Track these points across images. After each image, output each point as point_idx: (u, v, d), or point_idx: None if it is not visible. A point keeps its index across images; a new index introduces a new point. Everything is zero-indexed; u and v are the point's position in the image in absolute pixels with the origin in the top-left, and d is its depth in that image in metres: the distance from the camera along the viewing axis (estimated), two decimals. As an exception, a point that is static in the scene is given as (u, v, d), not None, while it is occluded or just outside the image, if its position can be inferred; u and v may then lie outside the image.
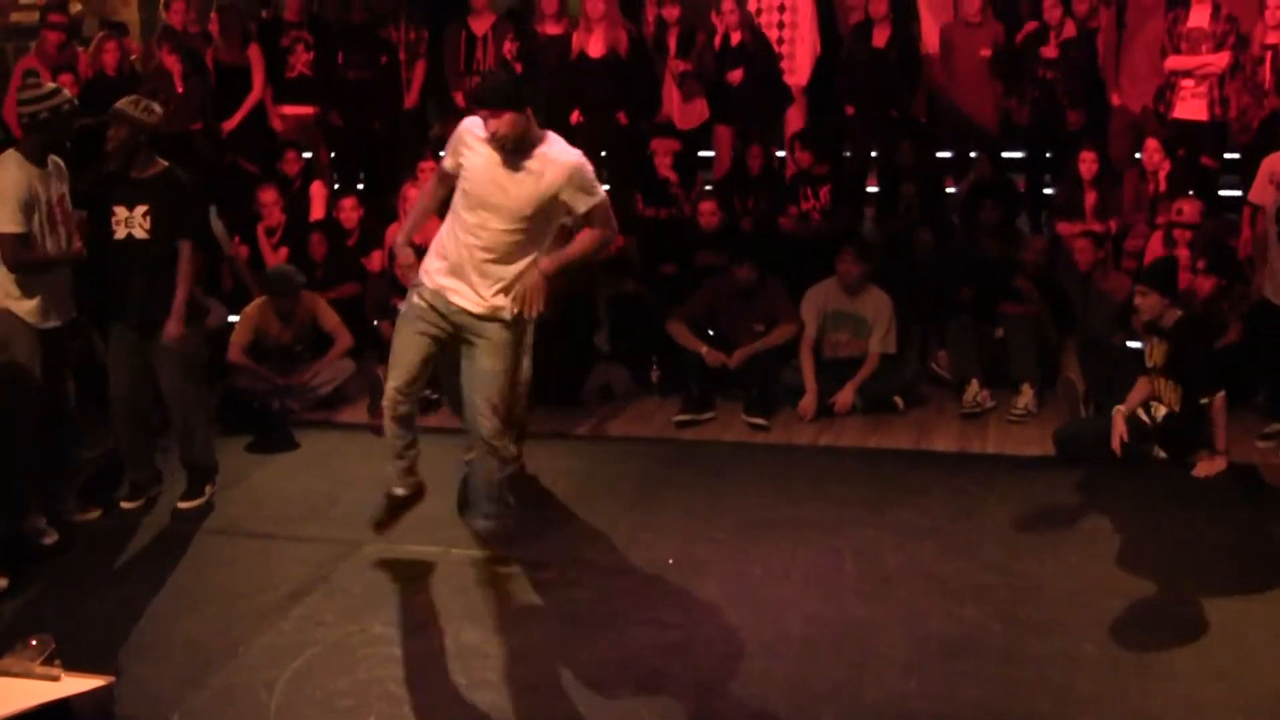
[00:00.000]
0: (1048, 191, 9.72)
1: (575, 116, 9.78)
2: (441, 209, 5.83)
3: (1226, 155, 9.19)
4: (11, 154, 6.19)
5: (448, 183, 5.73)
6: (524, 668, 5.17)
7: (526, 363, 6.37)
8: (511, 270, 5.61)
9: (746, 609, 5.55)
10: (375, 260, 9.17)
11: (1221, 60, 8.87)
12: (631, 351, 8.58)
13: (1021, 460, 7.21)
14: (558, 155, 5.52)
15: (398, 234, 5.98)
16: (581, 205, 5.57)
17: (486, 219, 5.55)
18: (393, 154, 10.11)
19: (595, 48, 9.60)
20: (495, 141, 5.45)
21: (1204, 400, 6.86)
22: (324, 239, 9.18)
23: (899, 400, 7.96)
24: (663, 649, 5.25)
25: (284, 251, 9.20)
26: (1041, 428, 7.60)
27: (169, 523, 6.69)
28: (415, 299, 5.72)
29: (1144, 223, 8.71)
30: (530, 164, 5.49)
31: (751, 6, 9.93)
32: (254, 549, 6.34)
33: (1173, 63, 8.99)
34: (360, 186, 10.32)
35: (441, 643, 5.35)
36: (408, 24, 10.23)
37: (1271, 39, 8.83)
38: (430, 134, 10.71)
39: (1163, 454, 6.99)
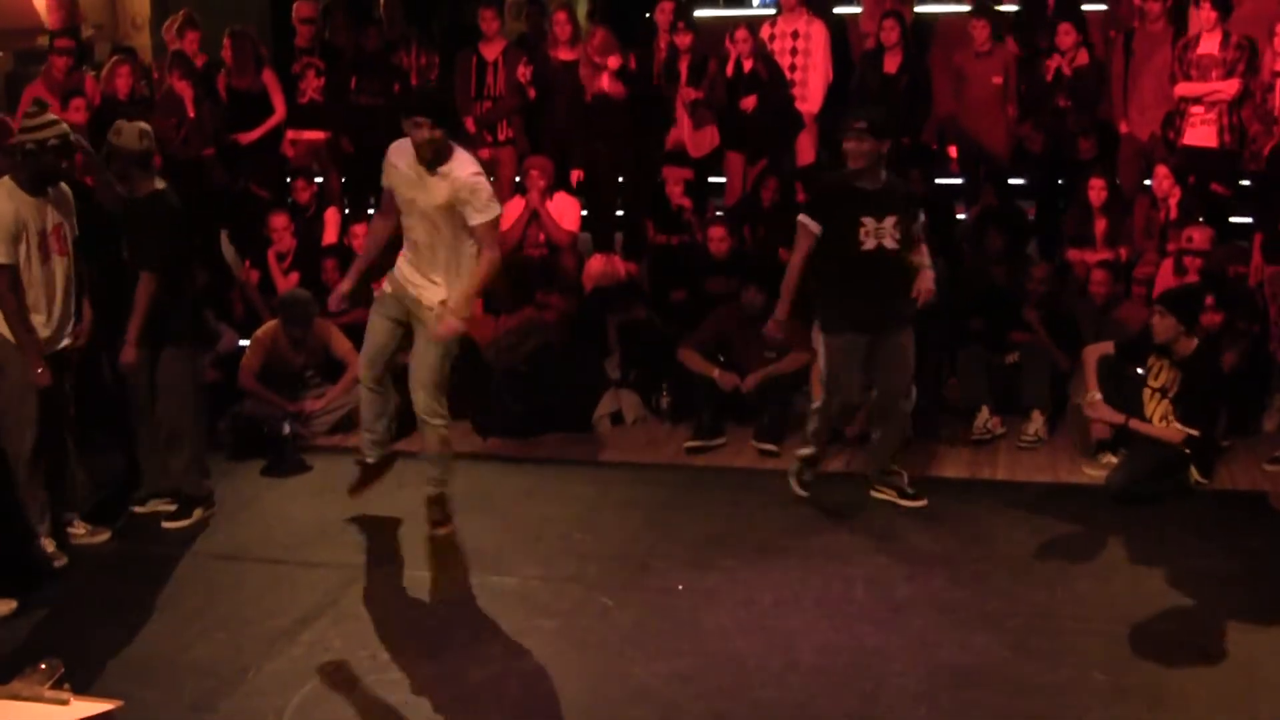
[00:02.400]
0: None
1: (587, 145, 9.83)
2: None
3: (1237, 182, 9.16)
4: (3, 182, 6.18)
5: (390, 203, 6.43)
6: (534, 694, 5.16)
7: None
8: (446, 264, 6.29)
9: (757, 637, 5.55)
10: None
11: (1231, 87, 8.85)
12: (642, 378, 8.58)
13: (1032, 487, 7.19)
14: (462, 168, 6.20)
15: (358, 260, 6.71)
16: (474, 219, 6.16)
17: (413, 218, 6.31)
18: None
19: (605, 83, 9.65)
20: (422, 147, 6.12)
21: (1193, 432, 6.92)
22: (337, 265, 9.19)
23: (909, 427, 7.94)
24: (672, 676, 5.24)
25: (295, 276, 9.22)
26: (1052, 455, 7.60)
27: (178, 547, 6.70)
28: (385, 287, 6.52)
29: (1154, 250, 8.70)
30: (443, 170, 6.18)
31: (764, 34, 9.94)
32: (263, 574, 6.34)
33: (1183, 89, 8.99)
34: (371, 212, 10.33)
35: (450, 668, 5.34)
36: (419, 50, 10.27)
37: (1281, 65, 8.85)
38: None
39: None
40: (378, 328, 6.57)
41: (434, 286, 6.34)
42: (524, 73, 9.91)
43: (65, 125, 6.32)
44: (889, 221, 6.50)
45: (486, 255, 6.24)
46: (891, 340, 6.64)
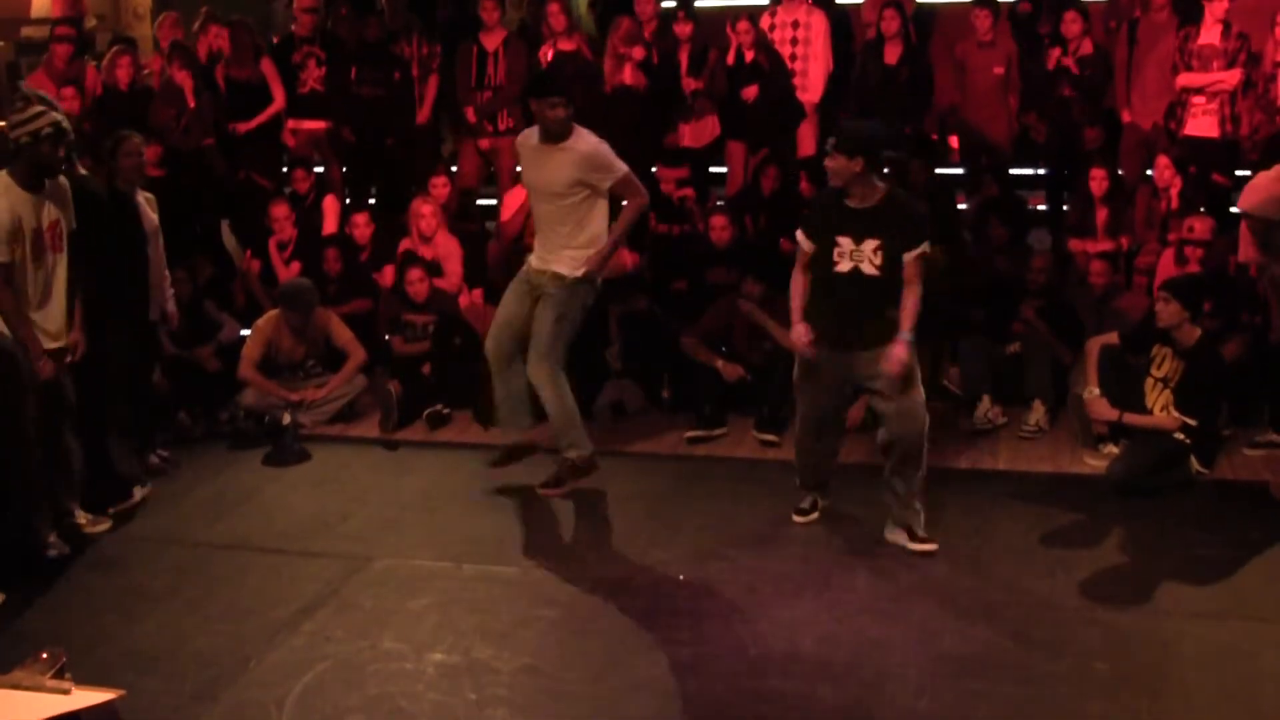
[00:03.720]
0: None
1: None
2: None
3: (1238, 172, 9.16)
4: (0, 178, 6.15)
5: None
6: (535, 684, 5.17)
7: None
8: (567, 238, 6.77)
9: (758, 627, 5.55)
10: (387, 275, 9.18)
11: (1233, 77, 8.86)
12: (643, 368, 8.58)
13: (1033, 478, 7.19)
14: (582, 140, 6.72)
15: None
16: (607, 180, 6.72)
17: (538, 198, 6.89)
18: (405, 170, 10.14)
19: (627, 77, 9.62)
20: (555, 124, 6.64)
21: (1190, 421, 6.91)
22: (338, 254, 9.19)
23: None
24: (674, 666, 5.24)
25: (296, 266, 9.22)
26: (1053, 445, 7.59)
27: (180, 537, 6.70)
28: (523, 270, 7.04)
29: (1155, 240, 8.70)
30: (565, 145, 6.69)
31: (765, 23, 9.93)
32: (265, 564, 6.34)
33: (1184, 80, 8.99)
34: (371, 202, 10.34)
35: (452, 658, 5.35)
36: (420, 40, 10.25)
37: (1282, 55, 8.85)
38: (442, 150, 10.74)
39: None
40: (506, 300, 7.02)
41: (557, 260, 6.79)
42: (549, 52, 9.88)
43: (55, 113, 6.28)
44: (869, 245, 6.05)
45: (634, 202, 6.85)
46: (874, 353, 6.12)
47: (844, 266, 6.12)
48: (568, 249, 6.79)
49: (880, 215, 6.08)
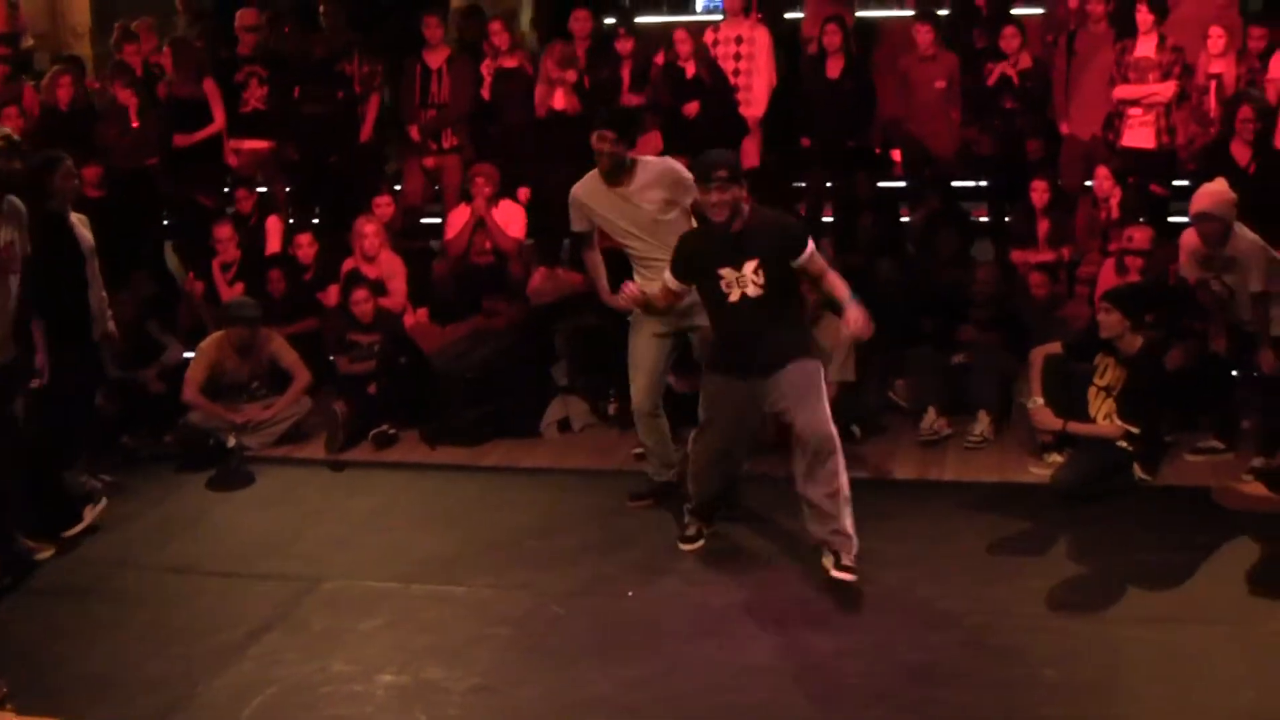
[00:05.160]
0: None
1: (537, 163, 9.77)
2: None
3: (1175, 183, 9.27)
4: None
5: (590, 241, 7.00)
6: (487, 704, 5.15)
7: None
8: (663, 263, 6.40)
9: (711, 641, 5.55)
10: (332, 295, 9.11)
11: (1167, 90, 8.97)
12: (590, 384, 8.56)
13: (981, 487, 7.22)
14: (650, 167, 6.69)
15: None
16: (685, 197, 6.56)
17: (628, 237, 6.73)
18: (348, 188, 10.07)
19: (559, 102, 9.59)
20: (606, 158, 6.58)
21: (1132, 428, 6.98)
22: (282, 275, 9.12)
23: (857, 429, 7.96)
24: (629, 682, 5.23)
25: (239, 287, 9.14)
26: (999, 455, 7.64)
27: (129, 561, 6.63)
28: (638, 311, 6.72)
29: (1096, 250, 8.79)
30: (634, 182, 6.63)
31: (708, 38, 9.97)
32: (213, 587, 6.29)
33: (1120, 92, 9.10)
34: (315, 221, 10.27)
35: (403, 679, 5.32)
36: (362, 58, 10.20)
37: (1215, 68, 8.98)
38: (387, 168, 10.70)
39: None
40: (650, 353, 6.84)
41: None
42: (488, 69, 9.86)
43: (6, 128, 6.23)
44: (748, 267, 5.88)
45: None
46: (777, 377, 5.97)
47: (735, 296, 5.94)
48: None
49: (752, 234, 5.89)
